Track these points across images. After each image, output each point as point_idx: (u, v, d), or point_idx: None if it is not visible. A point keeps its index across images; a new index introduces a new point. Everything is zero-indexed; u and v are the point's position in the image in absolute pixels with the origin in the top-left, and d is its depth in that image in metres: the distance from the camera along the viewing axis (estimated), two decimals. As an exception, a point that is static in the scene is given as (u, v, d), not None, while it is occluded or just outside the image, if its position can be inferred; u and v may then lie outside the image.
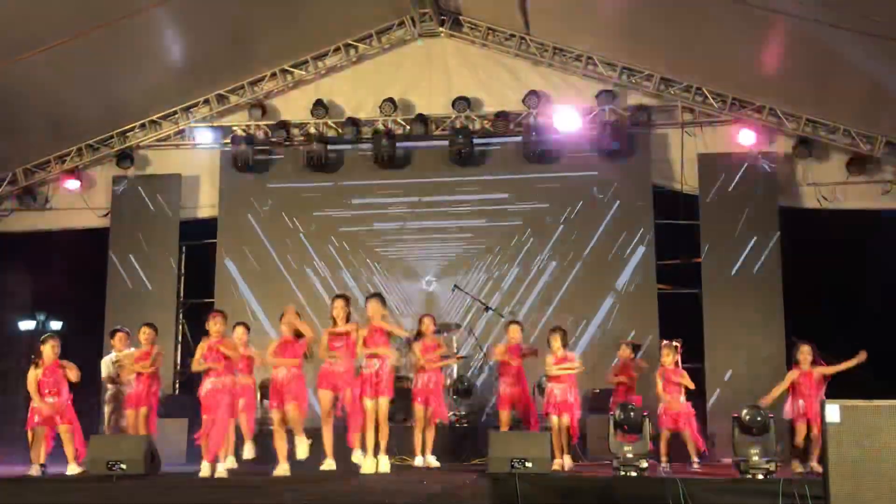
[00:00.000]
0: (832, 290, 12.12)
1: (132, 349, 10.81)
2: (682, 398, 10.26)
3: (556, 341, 10.15)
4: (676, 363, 10.29)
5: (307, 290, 13.90)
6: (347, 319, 9.35)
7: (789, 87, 12.74)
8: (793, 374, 9.85)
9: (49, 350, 9.81)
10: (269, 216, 14.25)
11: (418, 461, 10.02)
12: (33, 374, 9.81)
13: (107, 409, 10.88)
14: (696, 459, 10.04)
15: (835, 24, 10.38)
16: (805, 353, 9.99)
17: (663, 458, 10.16)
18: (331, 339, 9.36)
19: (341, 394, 9.34)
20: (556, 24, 13.53)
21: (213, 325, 9.08)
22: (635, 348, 11.30)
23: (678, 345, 10.44)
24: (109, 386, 10.87)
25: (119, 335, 10.95)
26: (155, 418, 10.52)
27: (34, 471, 9.73)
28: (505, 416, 10.34)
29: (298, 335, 9.13)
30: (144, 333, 10.55)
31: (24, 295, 15.14)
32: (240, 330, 10.38)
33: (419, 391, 10.07)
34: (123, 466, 8.79)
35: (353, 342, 9.34)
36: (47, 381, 9.74)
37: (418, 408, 10.02)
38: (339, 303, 9.37)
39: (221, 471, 8.87)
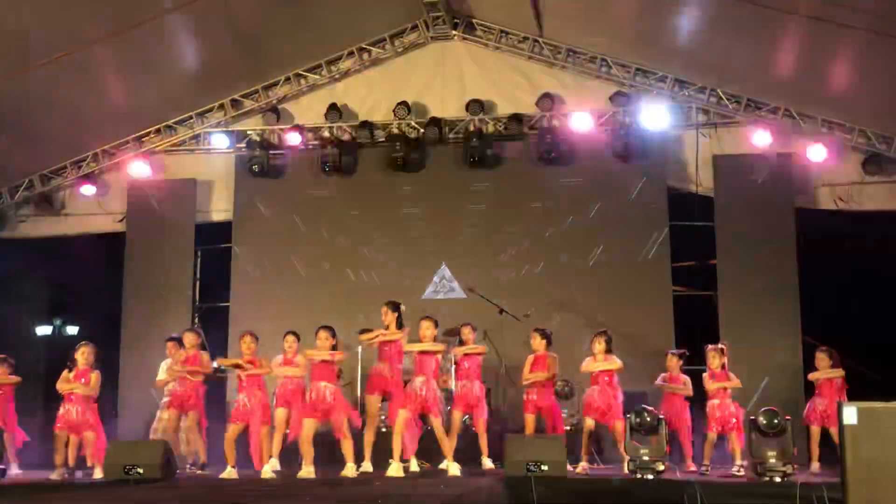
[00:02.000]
0: (849, 291, 12.04)
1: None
2: (729, 400, 10.14)
3: (600, 344, 10.08)
4: (723, 366, 10.22)
5: (322, 294, 13.91)
6: (398, 325, 9.77)
7: (804, 88, 12.67)
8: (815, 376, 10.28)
9: (81, 357, 10.04)
10: (283, 220, 14.27)
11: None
12: (65, 376, 10.00)
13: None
14: (739, 463, 9.75)
15: (849, 24, 10.34)
16: (820, 358, 10.10)
17: (707, 461, 10.13)
18: (381, 345, 9.78)
19: (388, 400, 9.74)
20: (569, 26, 13.51)
21: (244, 344, 9.93)
22: (681, 357, 10.93)
23: (724, 347, 10.38)
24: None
25: (170, 343, 11.25)
26: (205, 422, 10.68)
27: (56, 475, 9.82)
28: (531, 420, 10.35)
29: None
30: (188, 338, 10.74)
31: (40, 300, 15.21)
32: (290, 338, 10.45)
33: (459, 398, 10.16)
34: (140, 471, 8.84)
35: (401, 349, 9.76)
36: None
37: (457, 415, 10.08)
38: (385, 309, 9.84)
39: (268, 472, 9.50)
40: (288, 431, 9.86)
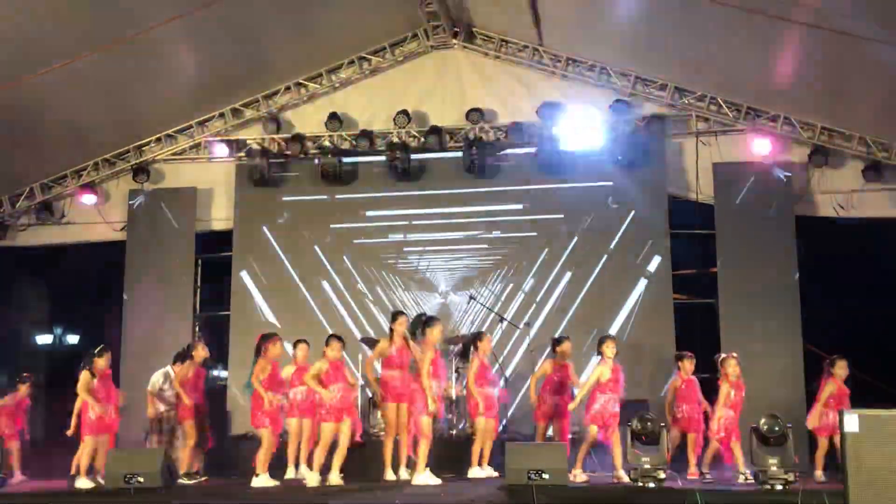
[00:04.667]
0: (850, 298, 12.04)
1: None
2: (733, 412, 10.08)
3: (612, 348, 9.99)
4: (738, 376, 10.18)
5: (323, 303, 13.92)
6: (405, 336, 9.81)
7: (804, 96, 12.69)
8: (831, 387, 10.04)
9: (104, 362, 9.99)
10: (284, 229, 14.28)
11: (477, 472, 9.93)
12: (88, 380, 9.88)
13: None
14: (742, 471, 9.71)
15: (849, 33, 10.36)
16: (843, 367, 10.03)
17: (706, 468, 10.11)
18: (390, 355, 9.81)
19: (408, 407, 9.68)
20: (569, 35, 13.54)
21: (273, 347, 9.66)
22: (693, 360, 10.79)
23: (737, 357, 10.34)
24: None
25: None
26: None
27: (84, 483, 9.66)
28: (543, 428, 10.39)
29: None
30: (199, 352, 10.88)
31: (41, 309, 15.22)
32: (304, 346, 10.60)
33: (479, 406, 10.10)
34: (141, 479, 8.82)
35: (408, 358, 9.77)
36: (100, 391, 9.91)
37: (479, 420, 10.03)
38: (403, 319, 9.90)
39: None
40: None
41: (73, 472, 10.11)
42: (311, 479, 9.26)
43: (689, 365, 10.66)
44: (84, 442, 9.83)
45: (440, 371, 9.76)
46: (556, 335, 11.26)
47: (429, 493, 8.66)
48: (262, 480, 9.31)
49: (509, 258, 13.73)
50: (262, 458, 9.42)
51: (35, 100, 12.18)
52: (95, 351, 10.07)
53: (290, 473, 10.21)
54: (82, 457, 9.80)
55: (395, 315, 10.04)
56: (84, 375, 9.90)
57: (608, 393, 9.80)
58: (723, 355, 10.30)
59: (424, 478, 9.25)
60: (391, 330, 9.90)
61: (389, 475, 9.73)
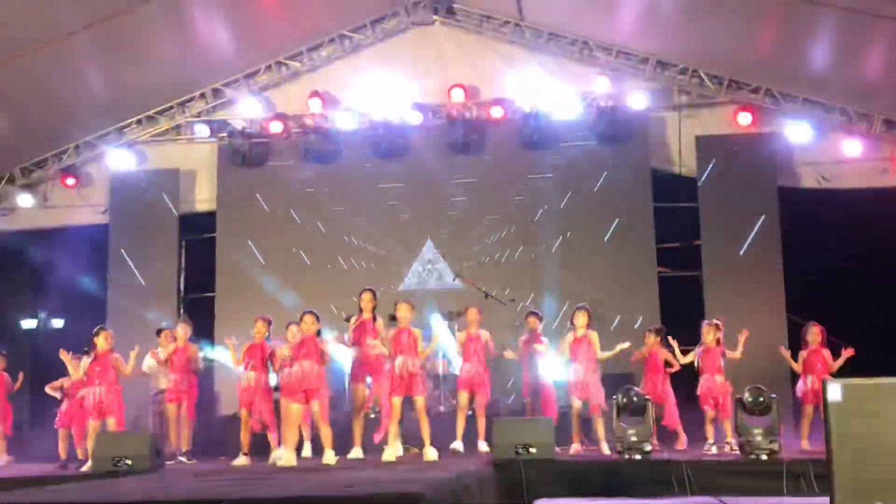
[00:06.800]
0: (833, 270, 12.09)
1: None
2: (720, 377, 10.12)
3: (582, 318, 10.04)
4: (718, 341, 10.22)
5: (308, 282, 13.89)
6: (373, 311, 9.87)
7: (785, 68, 12.71)
8: (803, 354, 10.21)
9: (103, 341, 9.93)
10: (267, 208, 14.24)
11: (457, 445, 9.93)
12: (85, 363, 9.88)
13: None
14: (729, 441, 9.73)
15: (828, 3, 10.37)
16: (815, 333, 10.13)
17: (709, 438, 10.05)
18: (359, 333, 9.86)
19: (374, 384, 9.87)
20: (550, 11, 13.50)
21: (253, 328, 10.19)
22: (658, 333, 10.86)
23: (720, 323, 10.37)
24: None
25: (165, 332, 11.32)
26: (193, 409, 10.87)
27: (86, 466, 9.66)
28: (531, 403, 10.53)
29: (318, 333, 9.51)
30: (182, 330, 10.95)
31: (24, 293, 15.13)
32: (294, 328, 10.55)
33: (463, 380, 10.14)
34: (129, 462, 8.82)
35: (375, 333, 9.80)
36: (96, 371, 9.85)
37: (462, 395, 10.07)
38: (367, 295, 9.93)
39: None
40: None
41: (63, 457, 10.14)
42: (286, 457, 9.22)
43: (647, 339, 10.78)
44: (88, 426, 9.88)
45: (405, 346, 9.59)
46: (530, 310, 11.31)
47: (404, 466, 8.69)
48: (239, 459, 9.68)
49: (493, 233, 13.72)
50: (242, 436, 9.84)
51: (14, 82, 12.08)
52: (93, 332, 10.06)
53: (278, 453, 10.23)
54: (88, 441, 9.81)
55: (361, 292, 10.06)
56: (83, 360, 9.94)
57: (577, 362, 9.94)
58: (704, 322, 10.38)
59: (392, 452, 9.33)
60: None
61: (357, 454, 9.79)
